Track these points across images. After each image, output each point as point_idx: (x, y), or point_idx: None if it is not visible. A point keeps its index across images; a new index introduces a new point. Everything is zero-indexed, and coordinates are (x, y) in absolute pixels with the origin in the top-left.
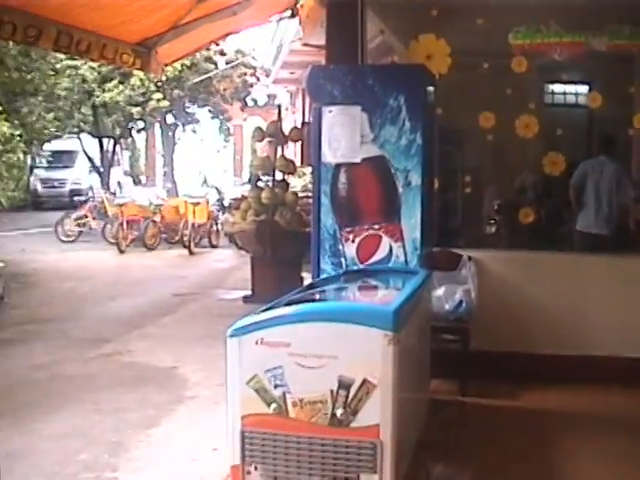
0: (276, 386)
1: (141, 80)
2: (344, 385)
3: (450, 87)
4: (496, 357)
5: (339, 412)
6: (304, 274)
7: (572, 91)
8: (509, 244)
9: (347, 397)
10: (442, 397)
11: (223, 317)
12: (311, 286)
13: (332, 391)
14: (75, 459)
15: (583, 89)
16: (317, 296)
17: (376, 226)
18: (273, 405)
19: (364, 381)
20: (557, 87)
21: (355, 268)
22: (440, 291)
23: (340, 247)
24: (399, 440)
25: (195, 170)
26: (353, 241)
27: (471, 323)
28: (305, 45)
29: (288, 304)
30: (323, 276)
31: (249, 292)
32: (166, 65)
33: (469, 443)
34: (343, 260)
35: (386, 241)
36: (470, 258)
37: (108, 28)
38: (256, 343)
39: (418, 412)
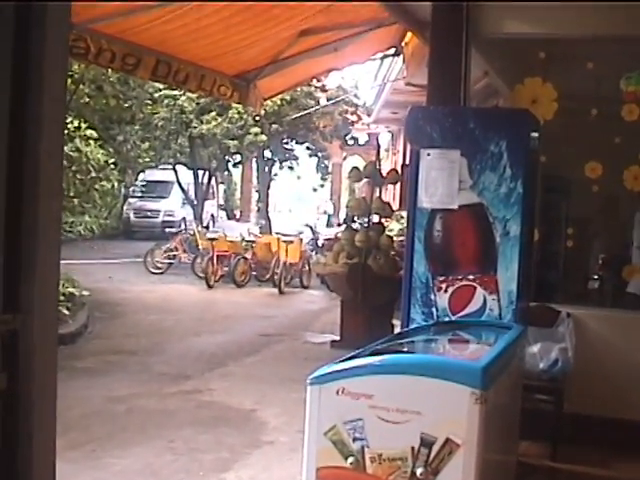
0: (355, 439)
1: (239, 113)
2: (426, 443)
3: (555, 134)
4: (590, 421)
5: (419, 471)
6: (395, 321)
7: None
8: (612, 302)
9: (428, 456)
10: (531, 461)
11: (309, 361)
12: (399, 336)
13: (413, 448)
14: None
15: None
16: (404, 347)
17: (471, 276)
18: (350, 459)
19: (447, 440)
20: None
21: (446, 319)
22: (535, 348)
23: (432, 296)
24: None
25: (289, 207)
26: (446, 291)
27: (566, 384)
28: (408, 84)
29: (373, 353)
30: (413, 326)
31: (337, 337)
32: (265, 99)
33: None
34: (434, 310)
35: (480, 293)
36: (569, 315)
37: (207, 59)
38: (337, 393)
39: (504, 476)
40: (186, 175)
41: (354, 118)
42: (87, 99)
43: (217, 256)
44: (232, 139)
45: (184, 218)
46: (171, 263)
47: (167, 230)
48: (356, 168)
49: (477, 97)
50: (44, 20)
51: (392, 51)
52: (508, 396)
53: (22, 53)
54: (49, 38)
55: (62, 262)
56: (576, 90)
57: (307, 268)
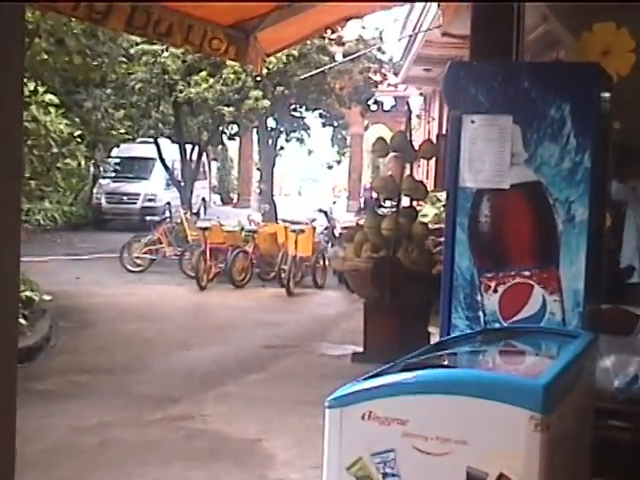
0: (385, 475)
1: (236, 73)
2: (474, 479)
3: (632, 93)
4: None
5: None
6: (432, 328)
7: None
8: None
9: None
10: None
11: (325, 378)
12: (438, 346)
13: None
14: None
15: None
16: (444, 360)
17: (526, 272)
18: None
19: (501, 476)
20: None
21: (497, 326)
22: (608, 362)
23: (478, 297)
24: None
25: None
26: (495, 290)
27: None
28: (445, 35)
29: (407, 368)
30: (455, 334)
31: (360, 348)
32: (268, 55)
33: None
34: (481, 314)
35: (539, 292)
36: None
37: (195, 7)
38: (363, 418)
39: None
40: (171, 150)
41: (378, 78)
42: (45, 56)
43: (210, 250)
44: (227, 105)
45: (169, 203)
46: (153, 259)
47: (148, 218)
48: (381, 139)
49: (533, 49)
50: None
51: None
52: (575, 422)
53: None
54: None
55: None
56: None
57: (322, 263)
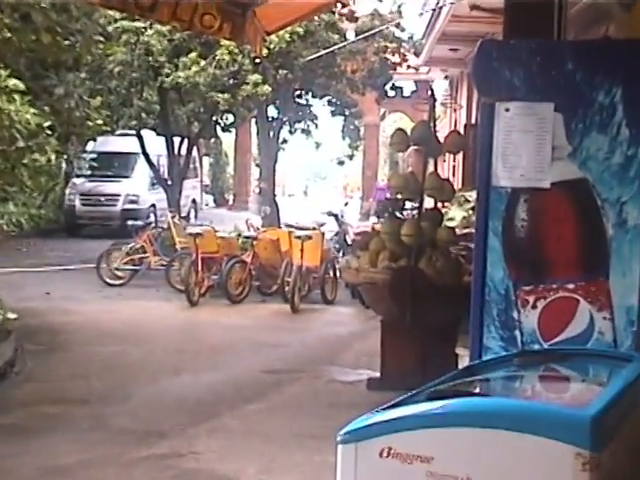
0: None
1: (231, 54)
2: None
3: None
4: None
5: None
6: (460, 350)
7: None
8: None
9: None
10: None
11: (336, 409)
12: (468, 371)
13: None
14: None
15: None
16: (475, 388)
17: (570, 285)
18: None
19: None
20: None
21: (536, 348)
22: None
23: (514, 314)
24: None
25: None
26: (534, 306)
27: None
28: (474, 8)
29: (432, 397)
30: (487, 357)
31: (377, 373)
32: (268, 34)
33: None
34: (518, 334)
35: (585, 308)
36: None
37: None
38: (381, 454)
39: None
40: (156, 144)
41: (396, 59)
42: (7, 34)
43: (202, 259)
44: (221, 91)
45: (153, 205)
46: (136, 270)
47: (129, 223)
48: (400, 131)
49: (578, 24)
50: None
51: None
52: (629, 460)
53: None
54: None
55: None
56: None
57: (332, 275)
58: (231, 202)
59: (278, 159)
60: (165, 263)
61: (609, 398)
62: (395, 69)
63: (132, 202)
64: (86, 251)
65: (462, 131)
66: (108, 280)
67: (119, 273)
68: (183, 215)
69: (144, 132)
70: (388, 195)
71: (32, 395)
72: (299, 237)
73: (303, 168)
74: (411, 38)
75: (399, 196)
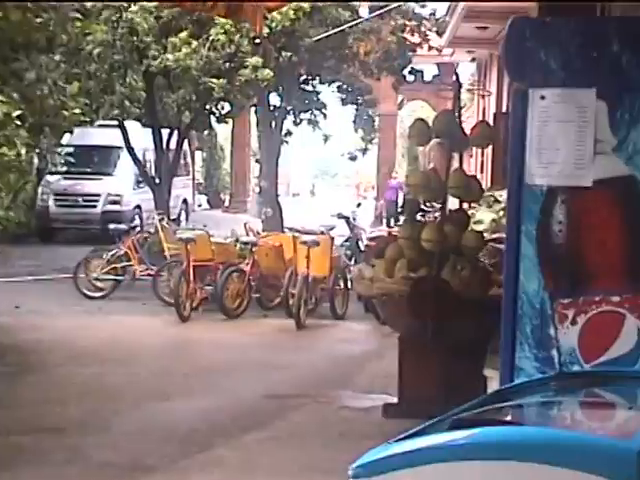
0: None
1: (227, 34)
2: None
3: None
4: None
5: None
6: (489, 372)
7: None
8: None
9: None
10: None
11: (348, 439)
12: (499, 396)
13: None
14: None
15: None
16: (507, 415)
17: (616, 297)
18: None
19: None
20: None
21: (576, 369)
22: None
23: (551, 331)
24: None
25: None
26: (574, 322)
27: None
28: None
29: (457, 426)
30: (520, 380)
31: (394, 398)
32: (270, 10)
33: None
34: (555, 354)
35: (632, 324)
36: None
37: None
38: None
39: None
40: (141, 137)
41: (416, 39)
42: None
43: (195, 268)
44: (216, 77)
45: (139, 207)
46: (119, 281)
47: (111, 227)
48: (420, 121)
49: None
50: None
51: None
52: None
53: None
54: None
55: None
56: None
57: (342, 286)
58: (227, 203)
59: (281, 154)
60: (152, 272)
61: None
62: (415, 50)
63: (114, 203)
64: (61, 259)
65: (491, 121)
66: (87, 292)
67: (99, 284)
68: (173, 218)
69: (128, 123)
70: (401, 194)
71: (1, 423)
72: (305, 243)
73: (309, 164)
74: (433, 15)
75: (419, 197)
